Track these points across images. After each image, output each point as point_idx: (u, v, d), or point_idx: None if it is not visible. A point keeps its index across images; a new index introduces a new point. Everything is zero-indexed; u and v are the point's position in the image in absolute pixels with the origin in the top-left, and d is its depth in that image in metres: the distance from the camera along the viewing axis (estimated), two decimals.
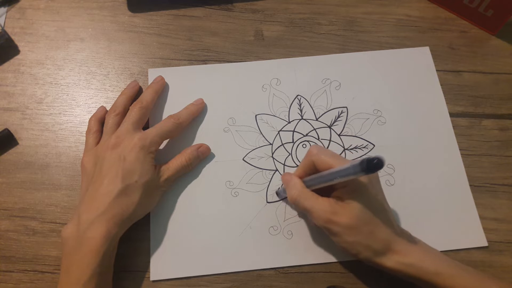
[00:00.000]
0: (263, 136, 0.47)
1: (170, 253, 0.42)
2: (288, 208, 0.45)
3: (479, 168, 0.47)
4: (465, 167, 0.46)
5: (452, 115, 0.49)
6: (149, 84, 0.48)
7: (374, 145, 0.47)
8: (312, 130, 0.48)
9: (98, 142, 0.44)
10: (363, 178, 0.36)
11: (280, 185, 0.45)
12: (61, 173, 0.46)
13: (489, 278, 0.37)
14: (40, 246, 0.43)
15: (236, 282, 0.42)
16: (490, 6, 0.51)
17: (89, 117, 0.46)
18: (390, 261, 0.37)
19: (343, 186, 0.37)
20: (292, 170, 0.46)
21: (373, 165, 0.30)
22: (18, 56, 0.51)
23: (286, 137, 0.47)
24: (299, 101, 0.49)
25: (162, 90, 0.48)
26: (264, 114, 0.48)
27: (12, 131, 0.47)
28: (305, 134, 0.48)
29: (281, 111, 0.49)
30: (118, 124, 0.44)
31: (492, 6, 0.51)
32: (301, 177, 0.40)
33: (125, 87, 0.48)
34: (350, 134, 0.48)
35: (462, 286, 0.35)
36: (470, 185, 0.46)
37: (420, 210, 0.44)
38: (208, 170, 0.46)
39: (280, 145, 0.47)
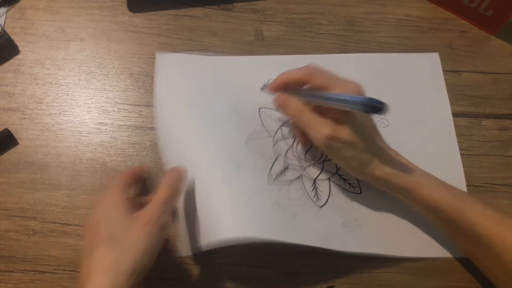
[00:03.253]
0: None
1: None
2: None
3: (479, 168, 0.47)
4: (465, 167, 0.46)
5: (452, 115, 0.49)
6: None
7: None
8: None
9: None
10: None
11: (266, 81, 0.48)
12: (61, 173, 0.46)
13: (466, 194, 0.40)
14: (40, 246, 0.43)
15: (236, 282, 0.42)
16: (490, 6, 0.51)
17: (89, 117, 0.47)
18: (378, 171, 0.40)
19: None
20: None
21: (377, 108, 0.33)
22: (18, 56, 0.51)
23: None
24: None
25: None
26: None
27: (12, 131, 0.47)
28: None
29: None
30: None
31: (492, 6, 0.51)
32: (285, 86, 0.42)
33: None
34: None
35: (437, 195, 0.38)
36: (470, 185, 0.46)
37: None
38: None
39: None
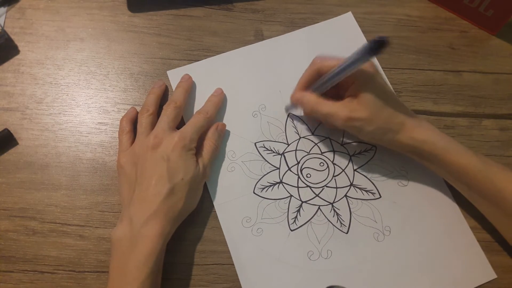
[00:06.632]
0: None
1: None
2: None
3: None
4: None
5: (452, 115, 0.49)
6: (176, 83, 0.48)
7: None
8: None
9: (132, 142, 0.44)
10: (370, 69, 0.40)
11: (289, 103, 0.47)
12: (61, 173, 0.46)
13: (493, 161, 0.39)
14: (40, 246, 0.43)
15: (236, 283, 0.42)
16: (490, 6, 0.51)
17: (89, 117, 0.46)
18: (406, 138, 0.40)
19: (352, 82, 0.40)
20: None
21: (380, 43, 0.32)
22: (18, 56, 0.51)
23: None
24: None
25: (191, 88, 0.49)
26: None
27: (12, 131, 0.47)
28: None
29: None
30: (153, 123, 0.44)
31: (492, 6, 0.51)
32: (305, 87, 0.44)
33: (152, 87, 0.48)
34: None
35: (467, 162, 0.39)
36: None
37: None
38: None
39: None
